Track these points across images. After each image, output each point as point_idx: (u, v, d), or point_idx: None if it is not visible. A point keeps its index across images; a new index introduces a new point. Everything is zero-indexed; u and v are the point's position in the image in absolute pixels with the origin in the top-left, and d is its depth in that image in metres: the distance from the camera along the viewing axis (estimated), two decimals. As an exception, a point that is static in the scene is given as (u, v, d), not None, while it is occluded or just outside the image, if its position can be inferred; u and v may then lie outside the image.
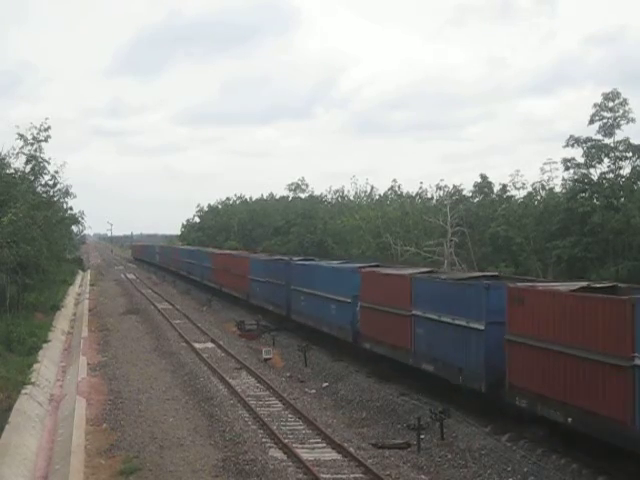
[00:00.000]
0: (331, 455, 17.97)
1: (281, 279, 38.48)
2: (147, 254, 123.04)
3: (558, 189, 56.15)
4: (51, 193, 50.69)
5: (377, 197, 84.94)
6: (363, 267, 29.89)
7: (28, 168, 44.23)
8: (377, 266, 30.90)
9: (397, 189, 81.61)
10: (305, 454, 17.78)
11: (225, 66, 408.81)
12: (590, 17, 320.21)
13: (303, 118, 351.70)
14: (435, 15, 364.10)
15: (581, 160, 46.60)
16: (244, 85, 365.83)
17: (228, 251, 67.54)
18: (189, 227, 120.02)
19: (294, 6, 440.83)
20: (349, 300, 28.34)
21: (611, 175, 46.27)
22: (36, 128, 42.55)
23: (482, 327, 19.48)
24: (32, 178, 45.17)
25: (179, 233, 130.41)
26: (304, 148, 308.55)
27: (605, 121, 45.49)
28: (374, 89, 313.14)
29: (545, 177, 57.10)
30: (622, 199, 45.76)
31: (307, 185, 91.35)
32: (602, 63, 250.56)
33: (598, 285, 18.08)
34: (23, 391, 22.59)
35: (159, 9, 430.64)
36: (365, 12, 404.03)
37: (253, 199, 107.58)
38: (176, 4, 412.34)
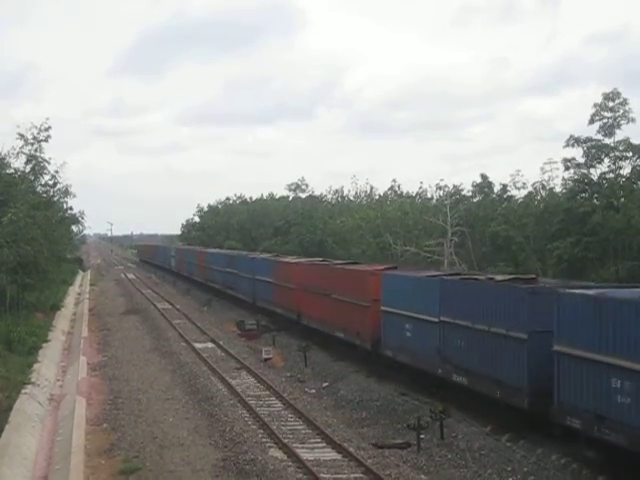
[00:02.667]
0: (331, 455, 17.99)
1: (506, 323, 18.73)
2: (159, 257, 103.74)
3: (558, 189, 56.16)
4: (51, 193, 50.61)
5: (377, 197, 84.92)
6: None
7: (28, 168, 44.16)
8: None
9: (397, 189, 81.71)
10: (305, 454, 17.79)
11: (228, 66, 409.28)
12: (593, 17, 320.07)
13: (305, 118, 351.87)
14: (439, 16, 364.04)
15: (581, 160, 46.57)
16: (246, 85, 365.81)
17: (310, 259, 42.50)
18: (189, 227, 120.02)
19: (298, 7, 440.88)
20: None
21: (611, 175, 46.21)
22: (36, 128, 42.48)
23: None
24: (32, 178, 45.08)
25: (179, 233, 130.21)
26: (306, 148, 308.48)
27: (605, 121, 45.39)
28: (376, 89, 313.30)
29: (545, 177, 57.05)
30: (622, 199, 45.71)
31: (307, 185, 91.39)
32: (604, 63, 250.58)
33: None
34: (23, 391, 22.58)
35: (163, 9, 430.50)
36: (368, 13, 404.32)
37: (253, 199, 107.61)
38: (180, 4, 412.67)
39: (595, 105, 45.70)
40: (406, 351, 24.33)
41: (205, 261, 64.93)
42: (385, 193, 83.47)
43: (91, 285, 72.72)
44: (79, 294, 64.29)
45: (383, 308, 26.02)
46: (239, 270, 50.09)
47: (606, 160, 45.84)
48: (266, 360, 30.65)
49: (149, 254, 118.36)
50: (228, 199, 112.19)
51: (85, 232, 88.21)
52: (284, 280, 38.88)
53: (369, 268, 30.50)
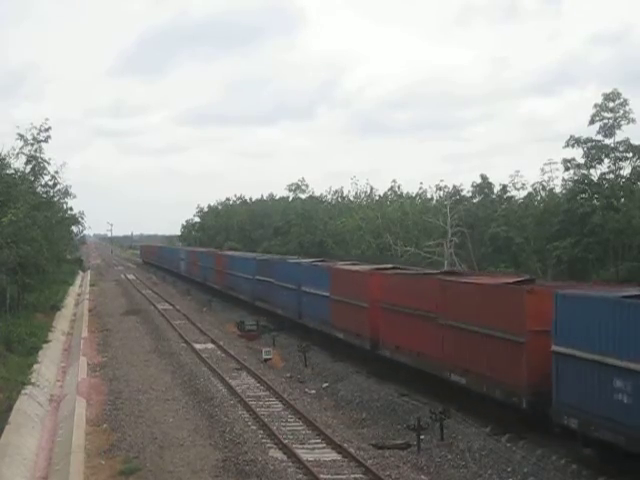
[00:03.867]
0: (331, 455, 17.98)
1: None
2: (165, 259, 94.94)
3: (558, 189, 56.27)
4: (51, 193, 50.66)
5: (377, 197, 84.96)
6: None
7: (28, 168, 44.22)
8: None
9: (397, 189, 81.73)
10: (305, 454, 17.79)
11: (228, 66, 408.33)
12: (594, 17, 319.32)
13: (306, 118, 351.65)
14: (440, 15, 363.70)
15: (581, 161, 46.66)
16: (247, 85, 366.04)
17: (384, 266, 32.05)
18: (189, 227, 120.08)
19: (298, 7, 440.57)
20: None
21: (611, 175, 46.31)
22: (36, 128, 42.58)
23: None
24: (32, 178, 45.13)
25: (179, 234, 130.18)
26: (306, 148, 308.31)
27: (605, 121, 45.50)
28: (376, 89, 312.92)
29: (545, 177, 57.25)
30: (622, 199, 45.81)
31: (307, 185, 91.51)
32: (606, 63, 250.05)
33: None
34: (23, 391, 22.58)
35: (164, 9, 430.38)
36: (369, 12, 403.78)
37: (253, 199, 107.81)
38: (181, 4, 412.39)
39: (595, 106, 45.82)
40: (618, 425, 14.60)
41: (225, 266, 54.62)
42: (385, 193, 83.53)
43: (91, 286, 72.69)
44: (79, 294, 64.30)
45: (557, 348, 16.40)
46: (276, 279, 40.32)
47: (606, 161, 45.97)
48: (266, 361, 30.65)
49: (153, 256, 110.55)
50: (228, 199, 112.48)
51: (85, 232, 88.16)
52: (351, 295, 29.18)
53: (502, 281, 21.51)
